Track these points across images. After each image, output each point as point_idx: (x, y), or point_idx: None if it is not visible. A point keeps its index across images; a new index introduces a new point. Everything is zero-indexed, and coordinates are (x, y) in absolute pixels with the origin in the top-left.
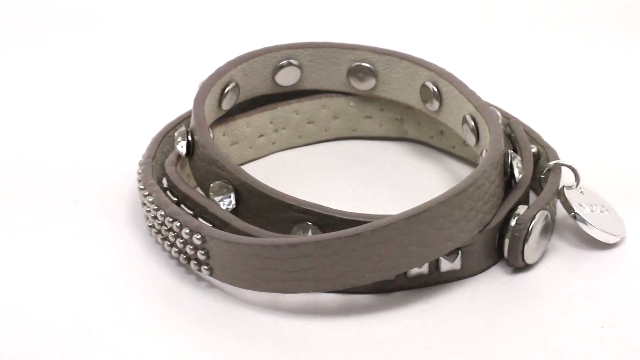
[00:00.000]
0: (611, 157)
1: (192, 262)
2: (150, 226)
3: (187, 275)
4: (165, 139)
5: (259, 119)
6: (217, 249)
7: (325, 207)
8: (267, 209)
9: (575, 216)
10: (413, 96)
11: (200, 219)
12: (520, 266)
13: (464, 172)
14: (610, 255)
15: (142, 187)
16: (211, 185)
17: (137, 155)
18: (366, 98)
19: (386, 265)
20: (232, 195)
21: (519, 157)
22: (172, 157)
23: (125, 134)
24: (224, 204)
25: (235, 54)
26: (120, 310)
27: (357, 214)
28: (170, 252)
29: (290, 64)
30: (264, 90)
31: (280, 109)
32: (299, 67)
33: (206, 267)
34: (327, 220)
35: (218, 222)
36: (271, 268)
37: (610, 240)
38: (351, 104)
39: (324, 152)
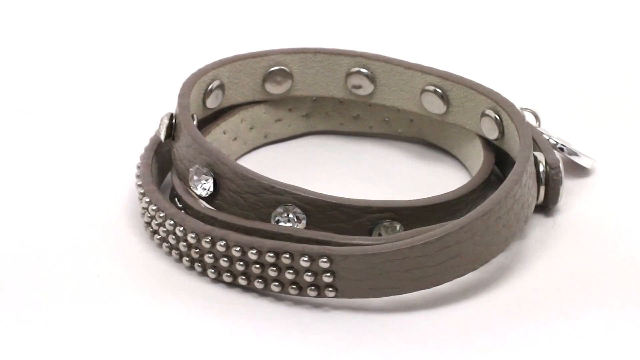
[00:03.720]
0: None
1: (309, 289)
2: (225, 272)
3: (298, 305)
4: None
5: None
6: (350, 267)
7: (399, 200)
8: (340, 219)
9: (562, 148)
10: (334, 86)
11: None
12: (552, 208)
13: (393, 146)
14: (603, 179)
15: (194, 235)
16: (275, 211)
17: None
18: (277, 102)
19: (510, 233)
20: (300, 214)
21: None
22: (191, 199)
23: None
24: (297, 225)
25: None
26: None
27: (431, 198)
28: (267, 288)
29: (212, 90)
30: (199, 115)
31: (213, 132)
32: (221, 86)
33: (330, 289)
34: (405, 213)
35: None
36: (420, 266)
37: (595, 165)
38: (264, 111)
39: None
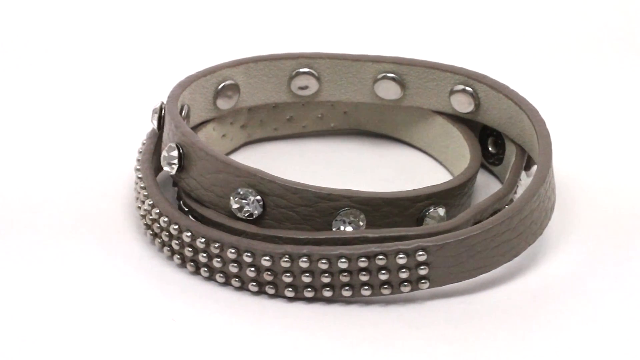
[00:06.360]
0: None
1: (402, 286)
2: (306, 287)
3: (391, 304)
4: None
5: None
6: (446, 255)
7: (436, 185)
8: (394, 213)
9: None
10: (278, 91)
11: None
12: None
13: (332, 141)
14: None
15: (268, 258)
16: (336, 218)
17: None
18: (221, 117)
19: (554, 196)
20: (361, 216)
21: None
22: (243, 225)
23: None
24: (361, 227)
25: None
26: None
27: (458, 177)
28: (355, 294)
29: (184, 118)
30: None
31: None
32: (188, 110)
33: (424, 280)
34: (441, 196)
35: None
36: (506, 240)
37: None
38: (213, 128)
39: None
